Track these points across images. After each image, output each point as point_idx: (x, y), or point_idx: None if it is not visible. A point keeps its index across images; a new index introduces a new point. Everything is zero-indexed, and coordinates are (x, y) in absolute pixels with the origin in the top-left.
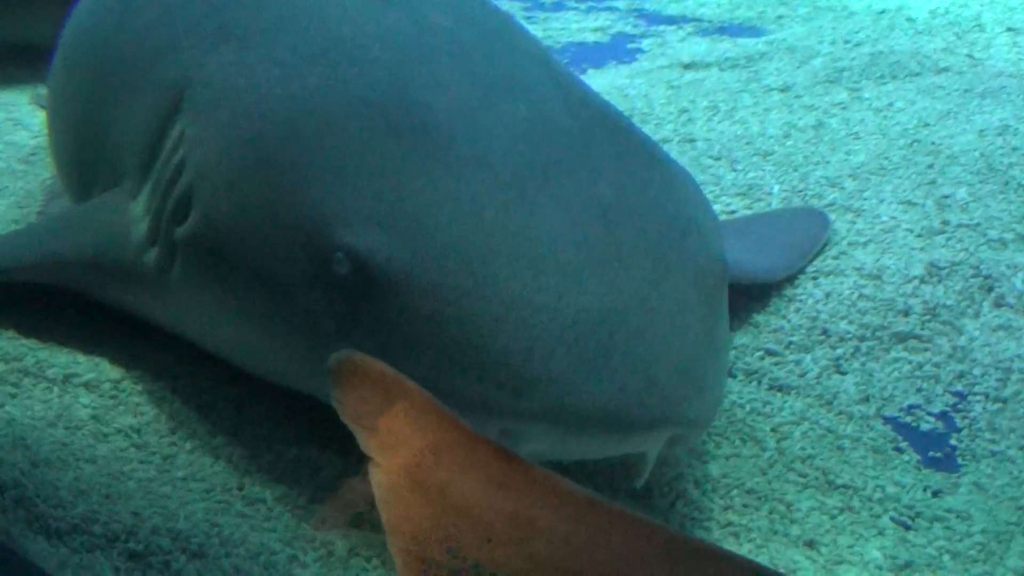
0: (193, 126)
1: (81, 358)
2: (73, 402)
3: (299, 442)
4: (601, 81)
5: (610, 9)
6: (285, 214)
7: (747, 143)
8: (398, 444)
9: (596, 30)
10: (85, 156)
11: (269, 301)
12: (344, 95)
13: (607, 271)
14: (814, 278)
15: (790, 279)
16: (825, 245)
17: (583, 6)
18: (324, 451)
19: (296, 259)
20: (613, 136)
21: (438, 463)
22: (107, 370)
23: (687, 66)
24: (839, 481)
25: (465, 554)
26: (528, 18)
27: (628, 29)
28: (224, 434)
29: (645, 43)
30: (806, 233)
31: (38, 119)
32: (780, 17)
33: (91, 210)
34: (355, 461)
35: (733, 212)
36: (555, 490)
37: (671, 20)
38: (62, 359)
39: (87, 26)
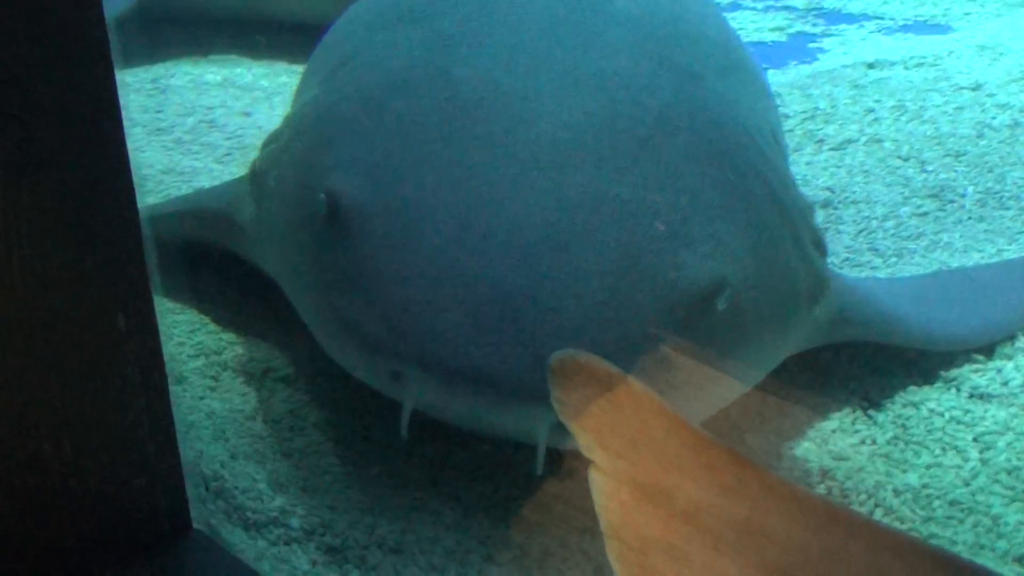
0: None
1: (278, 353)
2: (271, 396)
3: (493, 439)
4: (782, 80)
5: (788, 8)
6: (309, 161)
7: (938, 143)
8: (622, 447)
9: (774, 29)
10: None
11: (292, 241)
12: (408, 69)
13: (545, 267)
14: None
15: None
16: None
17: (760, 5)
18: (520, 448)
19: (304, 198)
20: (689, 152)
21: (665, 468)
22: (303, 365)
23: (871, 65)
24: None
25: (691, 562)
26: None
27: (807, 28)
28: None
29: (826, 42)
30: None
31: (233, 121)
32: (968, 14)
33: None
34: (551, 460)
35: (925, 214)
36: (792, 497)
37: (852, 18)
38: (260, 354)
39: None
